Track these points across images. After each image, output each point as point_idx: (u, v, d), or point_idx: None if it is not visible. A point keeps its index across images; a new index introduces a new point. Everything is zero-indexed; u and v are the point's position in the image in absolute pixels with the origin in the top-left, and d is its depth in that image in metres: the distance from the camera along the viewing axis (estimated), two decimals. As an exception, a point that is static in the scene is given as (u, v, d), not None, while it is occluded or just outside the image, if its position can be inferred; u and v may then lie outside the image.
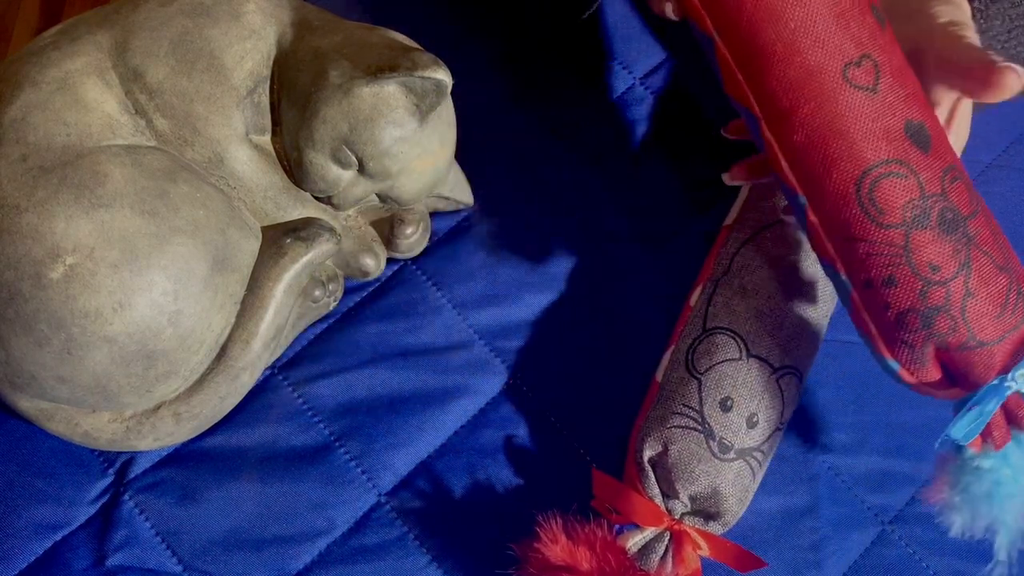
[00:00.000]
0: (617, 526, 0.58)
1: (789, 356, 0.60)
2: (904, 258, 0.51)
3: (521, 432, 0.64)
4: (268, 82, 0.60)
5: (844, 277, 0.53)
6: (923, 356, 0.52)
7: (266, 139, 0.61)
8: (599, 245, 0.69)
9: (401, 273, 0.68)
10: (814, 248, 0.54)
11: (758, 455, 0.58)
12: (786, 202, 0.63)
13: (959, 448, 0.54)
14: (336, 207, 0.63)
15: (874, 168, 0.51)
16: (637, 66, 0.75)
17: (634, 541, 0.57)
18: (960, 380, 0.53)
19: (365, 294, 0.67)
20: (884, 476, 0.64)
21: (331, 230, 0.62)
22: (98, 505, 0.61)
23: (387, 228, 0.66)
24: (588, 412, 0.64)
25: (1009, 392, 0.51)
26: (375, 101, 0.57)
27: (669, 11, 0.55)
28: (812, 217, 0.53)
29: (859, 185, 0.51)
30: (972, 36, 0.57)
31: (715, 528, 0.58)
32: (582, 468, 0.63)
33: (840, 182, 0.52)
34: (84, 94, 0.57)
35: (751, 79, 0.53)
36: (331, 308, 0.66)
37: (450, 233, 0.69)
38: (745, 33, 0.52)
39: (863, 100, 0.51)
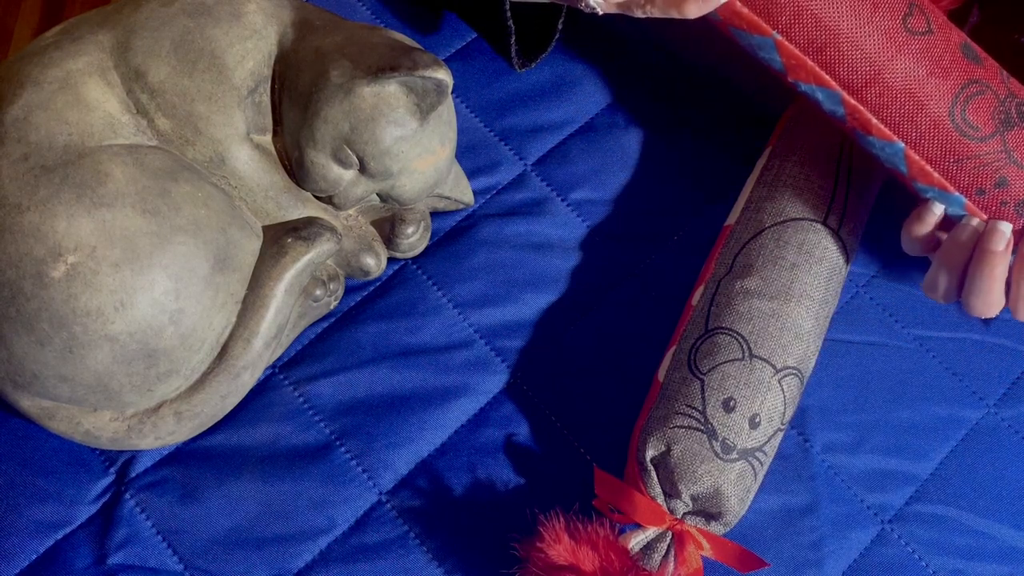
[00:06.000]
0: (619, 525, 0.58)
1: (791, 356, 0.60)
2: (1007, 158, 0.58)
3: (522, 431, 0.64)
4: (269, 82, 0.60)
5: (956, 194, 0.60)
6: None
7: (267, 139, 0.61)
8: (600, 245, 0.69)
9: (402, 272, 0.68)
10: (919, 181, 0.60)
11: (760, 455, 0.58)
12: (780, 205, 0.64)
13: None
14: (337, 207, 0.63)
15: (959, 94, 0.58)
16: (635, 67, 0.75)
17: (636, 541, 0.58)
18: None
19: (366, 293, 0.67)
20: (884, 476, 0.64)
21: (332, 229, 0.62)
22: (99, 504, 0.61)
23: (388, 227, 0.66)
24: (589, 411, 0.64)
25: None
26: (376, 101, 0.57)
27: (693, 11, 0.57)
28: (914, 156, 0.59)
29: (951, 114, 0.58)
30: None
31: (716, 528, 0.58)
32: (583, 467, 0.63)
33: (934, 117, 0.58)
34: (86, 93, 0.57)
35: (826, 62, 0.58)
36: (332, 307, 0.66)
37: (450, 233, 0.69)
38: (809, 24, 0.57)
39: (928, 42, 0.58)
